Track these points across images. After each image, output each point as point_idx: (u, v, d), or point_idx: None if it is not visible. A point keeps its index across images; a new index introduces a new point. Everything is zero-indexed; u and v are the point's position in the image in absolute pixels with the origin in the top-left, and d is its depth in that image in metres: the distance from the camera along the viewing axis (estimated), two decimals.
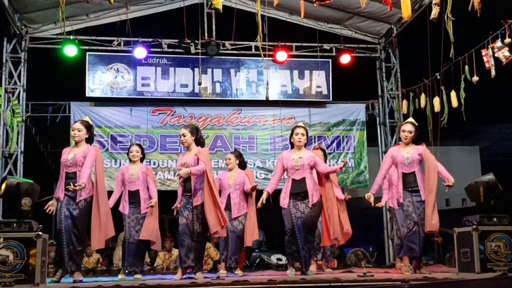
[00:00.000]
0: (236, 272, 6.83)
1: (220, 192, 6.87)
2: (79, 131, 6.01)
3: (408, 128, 6.27)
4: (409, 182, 6.21)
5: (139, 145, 7.20)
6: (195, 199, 5.85)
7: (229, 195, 6.96)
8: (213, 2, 7.01)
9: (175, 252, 9.02)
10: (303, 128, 6.18)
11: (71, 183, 5.69)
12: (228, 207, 6.88)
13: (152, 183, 6.94)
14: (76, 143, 6.00)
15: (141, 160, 7.10)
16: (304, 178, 6.03)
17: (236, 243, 6.87)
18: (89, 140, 6.11)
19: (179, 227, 5.95)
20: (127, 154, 7.15)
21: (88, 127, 6.09)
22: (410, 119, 6.58)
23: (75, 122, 6.25)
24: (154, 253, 9.35)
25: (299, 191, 6.02)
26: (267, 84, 9.83)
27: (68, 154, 5.94)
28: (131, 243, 6.73)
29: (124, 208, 6.82)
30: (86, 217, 5.96)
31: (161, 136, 10.27)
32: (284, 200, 6.07)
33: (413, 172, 6.21)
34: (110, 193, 6.64)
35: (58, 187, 6.01)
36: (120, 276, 6.73)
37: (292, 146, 6.24)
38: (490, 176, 5.91)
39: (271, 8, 9.85)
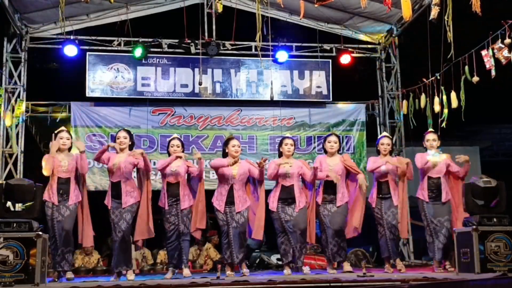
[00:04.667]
0: (242, 270, 6.48)
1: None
2: (67, 139, 6.29)
3: (386, 141, 6.81)
4: (382, 189, 6.69)
5: (128, 131, 6.64)
6: (183, 203, 6.47)
7: (231, 187, 6.46)
8: (217, 5, 7.06)
9: None
10: (292, 140, 6.74)
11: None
12: (230, 201, 6.45)
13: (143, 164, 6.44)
14: (62, 150, 6.21)
15: (130, 148, 6.52)
16: (292, 185, 6.54)
17: (240, 239, 6.45)
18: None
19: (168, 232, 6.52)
20: (114, 141, 6.55)
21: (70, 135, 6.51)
22: (385, 133, 7.32)
23: (61, 131, 6.36)
24: (155, 252, 9.34)
25: (287, 197, 6.53)
26: (271, 83, 9.78)
27: (60, 161, 6.17)
28: (115, 241, 6.27)
29: (108, 201, 6.35)
30: (75, 219, 6.22)
31: (161, 136, 10.24)
32: (273, 204, 6.57)
33: (387, 181, 6.68)
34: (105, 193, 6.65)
35: (50, 191, 6.08)
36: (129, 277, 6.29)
37: (280, 155, 6.73)
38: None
39: (271, 8, 9.84)
